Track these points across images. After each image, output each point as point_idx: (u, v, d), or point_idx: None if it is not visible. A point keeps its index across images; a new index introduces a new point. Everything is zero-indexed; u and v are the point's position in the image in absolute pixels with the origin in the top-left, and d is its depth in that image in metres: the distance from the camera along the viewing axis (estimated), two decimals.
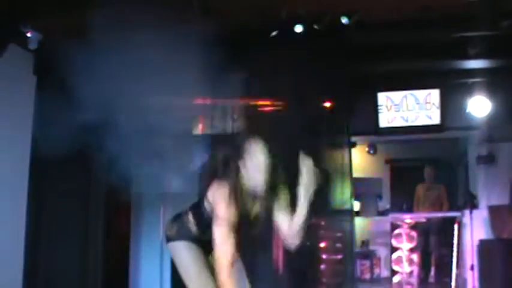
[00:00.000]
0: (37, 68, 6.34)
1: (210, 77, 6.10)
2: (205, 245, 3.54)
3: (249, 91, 6.68)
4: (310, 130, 7.27)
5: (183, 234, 3.62)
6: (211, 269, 3.56)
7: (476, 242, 7.76)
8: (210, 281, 3.53)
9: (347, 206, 7.95)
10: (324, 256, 8.17)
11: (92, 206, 7.79)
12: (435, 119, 8.12)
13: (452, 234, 8.49)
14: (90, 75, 5.47)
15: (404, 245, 8.46)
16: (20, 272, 6.18)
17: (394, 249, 8.80)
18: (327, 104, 7.80)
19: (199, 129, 7.67)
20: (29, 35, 5.89)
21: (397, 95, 8.24)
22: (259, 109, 7.41)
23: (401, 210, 9.63)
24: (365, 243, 10.75)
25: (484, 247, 7.66)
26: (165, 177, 7.33)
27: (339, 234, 8.18)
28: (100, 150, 5.62)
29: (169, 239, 3.70)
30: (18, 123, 6.19)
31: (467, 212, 7.91)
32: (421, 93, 8.18)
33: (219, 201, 3.43)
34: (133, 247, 8.40)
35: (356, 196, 8.46)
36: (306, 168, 3.49)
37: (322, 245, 8.20)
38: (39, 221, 6.57)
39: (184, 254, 3.61)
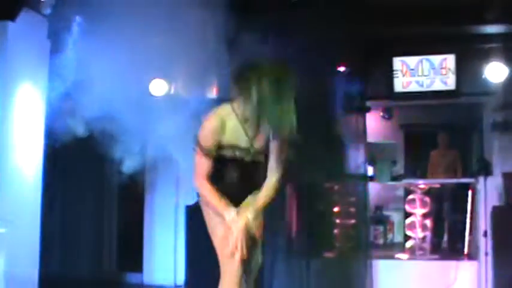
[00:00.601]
0: (51, 33, 6.32)
1: (227, 39, 6.09)
2: (235, 200, 3.51)
3: (265, 53, 6.65)
4: (325, 94, 7.25)
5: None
6: None
7: (489, 209, 7.75)
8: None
9: (361, 171, 7.96)
10: (337, 221, 8.22)
11: (105, 176, 7.89)
12: (450, 84, 8.04)
13: (466, 201, 8.50)
14: (102, 39, 5.48)
15: (418, 211, 8.48)
16: (36, 240, 6.27)
17: (407, 215, 8.83)
18: (342, 68, 7.76)
19: (214, 92, 7.66)
20: None
21: (412, 60, 8.16)
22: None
23: (415, 175, 9.63)
24: (378, 208, 10.77)
25: (497, 213, 7.64)
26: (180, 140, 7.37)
27: (352, 199, 8.21)
28: (114, 113, 5.66)
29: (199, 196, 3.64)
30: (34, 88, 6.21)
31: (481, 178, 7.89)
32: (436, 58, 8.10)
33: (202, 129, 3.46)
34: (148, 209, 8.48)
35: (370, 161, 8.44)
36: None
37: (335, 209, 8.23)
38: (55, 182, 6.65)
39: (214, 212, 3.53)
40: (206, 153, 3.44)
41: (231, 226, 3.39)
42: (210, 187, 3.48)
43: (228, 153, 3.50)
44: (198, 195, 3.64)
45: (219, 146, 3.46)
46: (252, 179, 3.60)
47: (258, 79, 3.31)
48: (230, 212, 3.42)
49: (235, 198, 3.53)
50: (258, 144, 3.56)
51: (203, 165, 3.46)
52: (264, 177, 3.60)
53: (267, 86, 3.29)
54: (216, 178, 3.51)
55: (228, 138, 3.47)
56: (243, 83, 3.40)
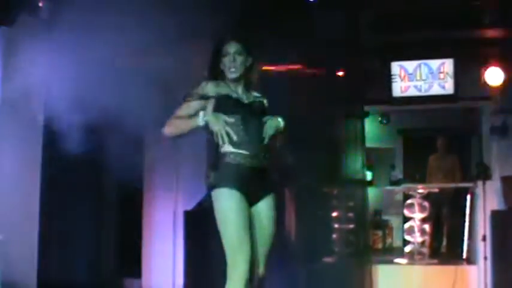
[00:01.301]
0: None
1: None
2: (248, 194, 3.59)
3: (262, 57, 6.66)
4: (324, 99, 7.25)
5: (224, 179, 3.59)
6: (250, 220, 3.58)
7: (488, 213, 7.75)
8: (246, 232, 3.51)
9: (360, 176, 7.95)
10: (336, 225, 8.20)
11: (103, 181, 7.85)
12: (449, 88, 8.04)
13: (465, 205, 8.49)
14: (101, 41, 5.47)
15: (417, 215, 8.48)
16: (34, 245, 6.25)
17: (406, 219, 8.82)
18: (341, 73, 7.77)
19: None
20: (40, 4, 5.87)
21: (410, 65, 8.16)
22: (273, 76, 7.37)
23: (414, 180, 9.62)
24: (377, 213, 10.77)
25: (496, 218, 7.64)
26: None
27: (351, 204, 8.19)
28: (113, 115, 5.65)
29: (212, 186, 3.64)
30: (32, 94, 6.19)
31: (480, 182, 7.89)
32: (434, 63, 8.10)
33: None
34: (146, 214, 8.45)
35: (369, 166, 8.45)
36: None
37: (334, 214, 8.22)
38: (51, 195, 6.63)
39: (226, 201, 3.55)
40: (189, 99, 3.75)
41: (210, 120, 3.62)
42: (177, 118, 3.76)
43: (223, 100, 3.69)
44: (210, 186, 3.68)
45: (216, 100, 3.70)
46: (258, 132, 3.70)
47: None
48: (201, 113, 3.65)
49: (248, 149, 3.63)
50: (250, 98, 3.82)
51: (180, 109, 3.77)
52: None
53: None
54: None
55: (221, 91, 3.73)
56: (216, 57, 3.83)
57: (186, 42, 5.87)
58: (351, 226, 8.12)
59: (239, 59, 3.75)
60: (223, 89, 3.73)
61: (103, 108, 5.41)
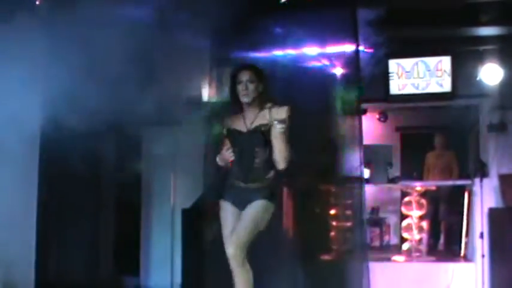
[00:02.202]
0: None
1: (220, 44, 6.07)
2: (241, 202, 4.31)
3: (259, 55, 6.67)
4: (321, 97, 7.25)
5: (224, 194, 4.43)
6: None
7: (486, 210, 7.75)
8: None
9: (357, 173, 7.95)
10: (333, 223, 8.21)
11: (101, 180, 7.83)
12: (446, 86, 8.06)
13: (462, 202, 8.49)
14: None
15: (414, 213, 8.48)
16: (32, 245, 6.23)
17: (403, 217, 8.83)
18: (338, 70, 7.76)
19: (209, 95, 7.65)
20: (37, 2, 5.85)
21: (408, 62, 8.18)
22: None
23: (411, 177, 9.62)
24: (375, 210, 10.77)
25: (493, 215, 7.65)
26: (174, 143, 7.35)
27: (348, 202, 8.18)
28: (110, 119, 5.64)
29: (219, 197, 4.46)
30: (29, 88, 6.16)
31: (477, 180, 7.90)
32: (432, 60, 8.12)
33: None
34: (144, 217, 8.45)
35: (366, 163, 8.44)
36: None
37: (332, 212, 8.23)
38: (49, 194, 6.61)
39: (222, 211, 4.40)
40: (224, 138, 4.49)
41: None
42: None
43: (230, 132, 4.40)
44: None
45: (227, 132, 4.44)
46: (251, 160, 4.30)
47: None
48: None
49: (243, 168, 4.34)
50: (250, 123, 4.32)
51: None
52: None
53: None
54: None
55: (234, 122, 4.41)
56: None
57: (187, 41, 5.86)
58: (349, 224, 8.12)
59: (251, 86, 4.27)
60: (235, 121, 4.37)
61: (101, 108, 5.40)
